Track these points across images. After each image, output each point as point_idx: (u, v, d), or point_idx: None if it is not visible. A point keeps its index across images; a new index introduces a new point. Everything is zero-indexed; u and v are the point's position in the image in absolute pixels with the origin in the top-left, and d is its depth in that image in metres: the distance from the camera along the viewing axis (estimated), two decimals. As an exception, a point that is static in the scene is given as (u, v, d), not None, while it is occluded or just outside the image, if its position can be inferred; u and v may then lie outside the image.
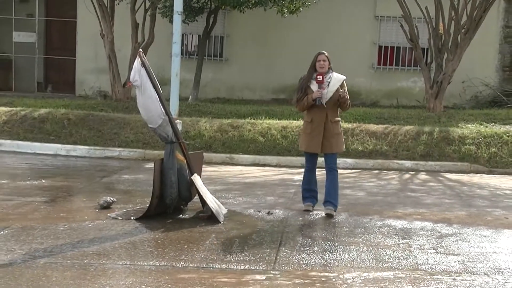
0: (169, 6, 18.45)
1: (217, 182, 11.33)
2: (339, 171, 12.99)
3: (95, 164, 13.00)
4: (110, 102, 18.02)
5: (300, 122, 15.09)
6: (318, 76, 8.98)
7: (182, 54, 17.47)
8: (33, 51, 22.34)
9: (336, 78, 9.06)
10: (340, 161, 13.52)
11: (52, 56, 22.69)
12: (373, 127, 15.13)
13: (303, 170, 13.01)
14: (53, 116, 15.26)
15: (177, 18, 14.39)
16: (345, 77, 9.12)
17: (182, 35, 17.77)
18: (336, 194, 9.16)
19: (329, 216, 9.00)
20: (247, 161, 13.75)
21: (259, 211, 9.14)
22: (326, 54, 9.10)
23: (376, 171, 13.43)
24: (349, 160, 13.78)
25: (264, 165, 13.69)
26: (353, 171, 13.35)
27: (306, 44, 21.42)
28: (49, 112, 15.54)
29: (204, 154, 10.27)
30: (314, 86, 9.01)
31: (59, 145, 14.16)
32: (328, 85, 8.98)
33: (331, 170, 9.20)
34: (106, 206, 8.91)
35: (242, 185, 11.22)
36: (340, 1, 21.69)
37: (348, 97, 9.08)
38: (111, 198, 9.09)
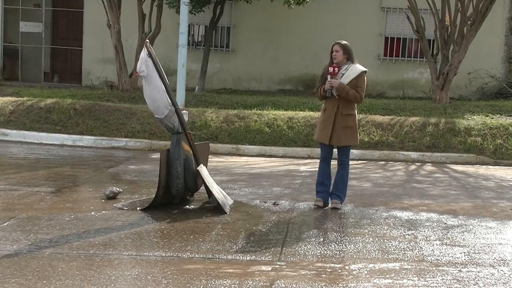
0: (176, -4, 18.44)
1: (223, 173, 11.30)
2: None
3: (101, 154, 12.98)
4: (116, 92, 18.00)
5: (306, 113, 15.05)
6: (329, 68, 8.85)
7: (188, 44, 17.41)
8: (40, 41, 22.33)
9: (352, 70, 8.84)
10: (346, 152, 13.52)
11: (58, 46, 22.68)
12: (379, 118, 15.08)
13: (309, 160, 13.13)
14: (59, 106, 15.25)
15: (184, 9, 14.37)
16: (364, 69, 8.87)
17: (189, 25, 17.73)
18: (344, 188, 9.03)
19: (334, 209, 8.92)
20: (253, 151, 13.72)
21: (265, 202, 9.11)
22: (342, 44, 8.89)
23: (382, 162, 13.38)
24: (355, 151, 13.71)
25: (270, 156, 13.65)
26: (359, 162, 13.30)
27: (312, 35, 21.39)
28: (56, 102, 15.53)
29: (210, 144, 10.24)
30: (328, 78, 8.87)
31: (65, 135, 14.15)
32: (341, 76, 8.82)
33: (341, 163, 9.05)
34: (112, 197, 8.89)
35: (248, 176, 11.19)
36: (346, -8, 21.63)
37: (360, 91, 8.80)
38: (117, 189, 9.07)
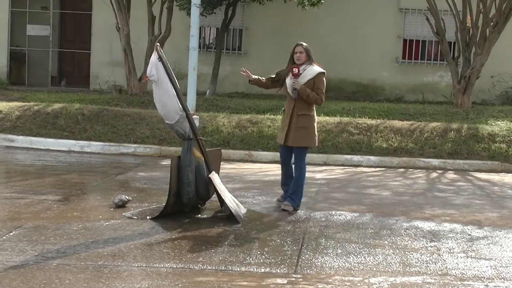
0: (187, -2, 18.41)
1: (236, 180, 11.24)
2: (363, 168, 13.11)
3: (109, 160, 12.95)
4: (125, 97, 17.97)
5: (321, 118, 14.97)
6: (294, 69, 9.00)
7: (199, 47, 17.41)
8: (47, 45, 22.35)
9: (309, 71, 9.04)
10: (363, 159, 13.49)
11: (66, 49, 22.69)
12: (398, 123, 14.98)
13: (324, 167, 13.06)
14: (67, 111, 15.23)
15: (195, 11, 14.33)
16: (322, 71, 9.08)
17: (200, 28, 17.71)
18: (299, 191, 9.15)
19: (284, 211, 9.00)
20: (266, 158, 13.64)
21: (280, 211, 9.03)
22: (303, 46, 9.13)
23: (402, 170, 13.28)
24: (373, 158, 13.64)
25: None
26: (378, 169, 13.21)
27: (327, 37, 21.31)
28: (63, 107, 15.51)
29: (222, 151, 10.17)
30: (288, 79, 9.06)
31: (73, 141, 14.12)
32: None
33: (296, 165, 9.20)
34: (121, 205, 8.84)
35: (261, 183, 11.12)
36: (363, -7, 21.55)
37: (319, 93, 8.98)
38: (126, 197, 9.02)
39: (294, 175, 9.21)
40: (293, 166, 9.25)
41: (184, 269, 6.40)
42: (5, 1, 22.21)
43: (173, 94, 8.37)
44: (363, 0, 21.54)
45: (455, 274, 6.60)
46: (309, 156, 13.50)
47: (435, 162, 13.66)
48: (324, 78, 9.11)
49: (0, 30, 22.17)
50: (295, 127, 9.05)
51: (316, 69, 9.07)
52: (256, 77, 9.29)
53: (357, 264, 6.80)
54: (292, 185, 9.17)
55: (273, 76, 9.36)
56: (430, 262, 6.96)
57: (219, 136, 14.31)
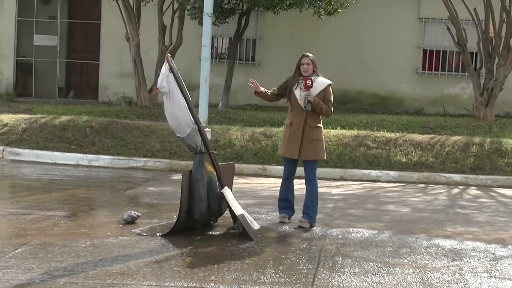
0: (199, 7, 18.47)
1: (249, 196, 11.24)
2: (382, 184, 13.06)
3: (118, 175, 12.97)
4: (135, 109, 18.02)
5: (338, 131, 14.95)
6: (307, 81, 9.06)
7: (212, 57, 17.40)
8: (54, 55, 22.45)
9: (319, 82, 9.15)
10: (382, 173, 13.45)
11: (74, 60, 22.79)
12: (417, 137, 14.94)
13: (341, 183, 13.02)
14: (74, 123, 15.27)
15: (207, 20, 14.36)
16: (330, 82, 9.21)
17: (212, 37, 17.76)
18: (315, 206, 9.23)
19: (300, 228, 9.04)
20: (281, 172, 13.52)
21: (295, 228, 9.02)
22: (310, 57, 9.20)
23: (422, 185, 13.24)
24: (392, 173, 13.61)
25: (299, 177, 13.49)
26: (397, 184, 13.18)
27: (344, 47, 21.32)
28: (71, 119, 15.56)
29: (235, 165, 10.17)
30: (297, 91, 9.12)
31: (80, 155, 14.15)
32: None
33: (309, 179, 9.31)
34: (131, 221, 8.84)
35: (276, 199, 11.04)
36: (381, 2, 21.51)
37: (330, 105, 9.17)
38: (136, 213, 9.03)
39: (307, 190, 9.28)
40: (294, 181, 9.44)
41: (196, 288, 6.41)
42: (11, 10, 22.36)
43: (185, 106, 8.38)
44: (382, 9, 21.52)
45: (478, 295, 6.57)
46: (325, 171, 13.54)
47: (456, 177, 13.60)
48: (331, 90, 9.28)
49: (7, 40, 22.32)
50: (309, 140, 9.13)
51: (325, 80, 9.20)
52: (263, 89, 9.30)
53: (375, 284, 6.77)
54: (307, 200, 9.23)
55: (276, 89, 9.39)
56: (452, 282, 6.92)
57: (232, 150, 14.31)
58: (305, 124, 9.12)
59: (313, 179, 9.29)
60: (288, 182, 9.46)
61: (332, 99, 9.21)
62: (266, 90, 9.34)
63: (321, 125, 9.29)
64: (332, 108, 9.23)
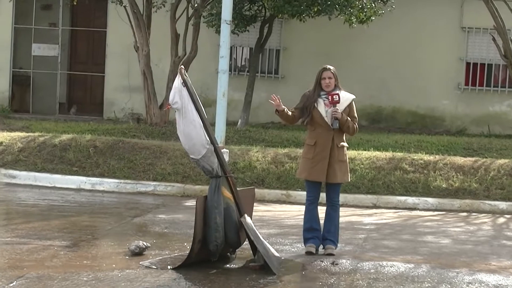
0: (216, 14, 18.51)
1: (271, 225, 11.25)
2: (419, 212, 13.07)
3: (125, 200, 13.01)
4: (144, 127, 18.06)
5: (371, 153, 14.93)
6: (334, 96, 9.16)
7: (230, 70, 17.45)
8: (55, 66, 22.52)
9: (344, 97, 9.27)
10: (419, 200, 13.45)
11: (77, 72, 22.87)
12: (459, 160, 14.90)
13: (374, 210, 13.01)
14: (76, 143, 15.33)
15: (225, 28, 14.42)
16: (353, 97, 9.37)
17: (231, 47, 17.80)
18: (337, 231, 9.44)
19: (329, 255, 9.15)
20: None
21: (322, 261, 9.02)
22: (332, 70, 9.32)
23: (464, 214, 13.21)
24: (430, 200, 13.59)
25: (324, 204, 13.53)
26: (436, 213, 13.15)
27: (378, 60, 21.31)
28: (72, 138, 15.62)
29: (255, 190, 10.19)
30: (322, 107, 9.22)
31: (83, 178, 14.22)
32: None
33: (333, 204, 9.48)
34: (138, 252, 8.87)
35: (300, 229, 11.04)
36: (419, 9, 21.51)
37: (355, 122, 9.35)
38: (144, 243, 9.05)
39: (329, 215, 9.44)
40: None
41: (210, 328, 6.43)
42: (7, 16, 22.42)
43: (199, 124, 8.41)
44: (420, 17, 21.50)
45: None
46: (356, 197, 13.55)
47: (502, 205, 13.57)
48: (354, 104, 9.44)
49: (2, 50, 22.41)
50: (337, 161, 9.26)
51: (348, 95, 9.36)
52: (285, 108, 9.33)
53: (411, 325, 6.77)
54: (329, 226, 9.40)
55: (295, 110, 9.46)
56: (498, 323, 6.91)
57: (252, 173, 14.33)
58: (333, 144, 9.21)
59: (338, 204, 9.50)
60: (313, 208, 9.52)
61: (356, 115, 9.37)
62: (288, 110, 9.37)
63: (345, 144, 9.40)
64: (356, 125, 9.37)
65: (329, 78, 9.23)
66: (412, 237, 10.90)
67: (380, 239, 10.64)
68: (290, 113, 9.38)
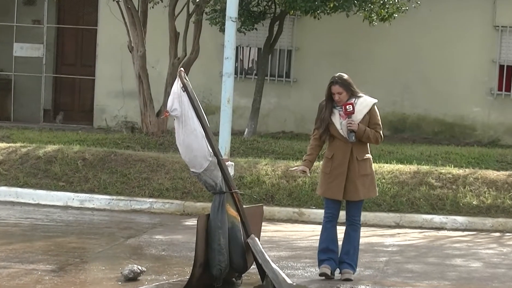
0: (220, 10, 18.51)
1: (282, 247, 11.26)
2: (447, 232, 13.06)
3: (117, 219, 13.04)
4: (139, 137, 18.08)
5: (393, 166, 14.93)
6: (347, 106, 9.15)
7: (236, 73, 17.50)
8: (39, 69, 22.53)
9: (361, 104, 9.25)
10: (447, 219, 13.46)
11: (64, 75, 22.92)
12: (492, 174, 14.91)
13: (397, 230, 13.00)
14: (63, 155, 15.36)
15: (231, 26, 14.44)
16: (375, 101, 9.33)
17: (237, 48, 17.81)
18: (356, 254, 9.41)
19: (347, 280, 9.13)
20: (321, 217, 13.57)
21: (338, 287, 9.02)
22: (340, 82, 9.23)
23: (497, 234, 13.22)
24: (459, 219, 13.58)
25: (343, 222, 13.53)
26: (466, 233, 13.16)
27: (401, 62, 21.32)
28: (59, 149, 15.66)
29: (264, 208, 10.20)
30: (336, 119, 9.23)
31: (70, 194, 14.24)
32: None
33: (353, 223, 9.47)
34: (133, 278, 8.88)
35: (314, 251, 11.05)
36: (446, 5, 21.50)
37: (379, 129, 9.29)
38: (139, 267, 9.06)
39: (348, 234, 9.44)
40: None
41: None
42: (-14, 13, 22.55)
43: (201, 134, 8.43)
44: (448, 15, 21.49)
45: None
46: (377, 216, 13.56)
47: (540, 224, 13.60)
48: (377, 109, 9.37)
49: (-20, 50, 22.54)
50: (358, 176, 9.22)
51: (368, 99, 9.32)
52: (308, 160, 9.51)
53: None
54: (347, 247, 9.39)
55: (316, 129, 9.49)
56: None
57: (260, 189, 14.34)
58: (351, 157, 9.20)
59: (358, 223, 9.47)
60: (331, 227, 9.51)
61: (380, 122, 9.31)
62: (311, 158, 9.46)
63: (369, 155, 9.37)
64: (381, 132, 9.32)
65: (339, 93, 9.19)
66: (439, 260, 10.89)
67: (404, 263, 10.63)
68: (315, 154, 9.54)
